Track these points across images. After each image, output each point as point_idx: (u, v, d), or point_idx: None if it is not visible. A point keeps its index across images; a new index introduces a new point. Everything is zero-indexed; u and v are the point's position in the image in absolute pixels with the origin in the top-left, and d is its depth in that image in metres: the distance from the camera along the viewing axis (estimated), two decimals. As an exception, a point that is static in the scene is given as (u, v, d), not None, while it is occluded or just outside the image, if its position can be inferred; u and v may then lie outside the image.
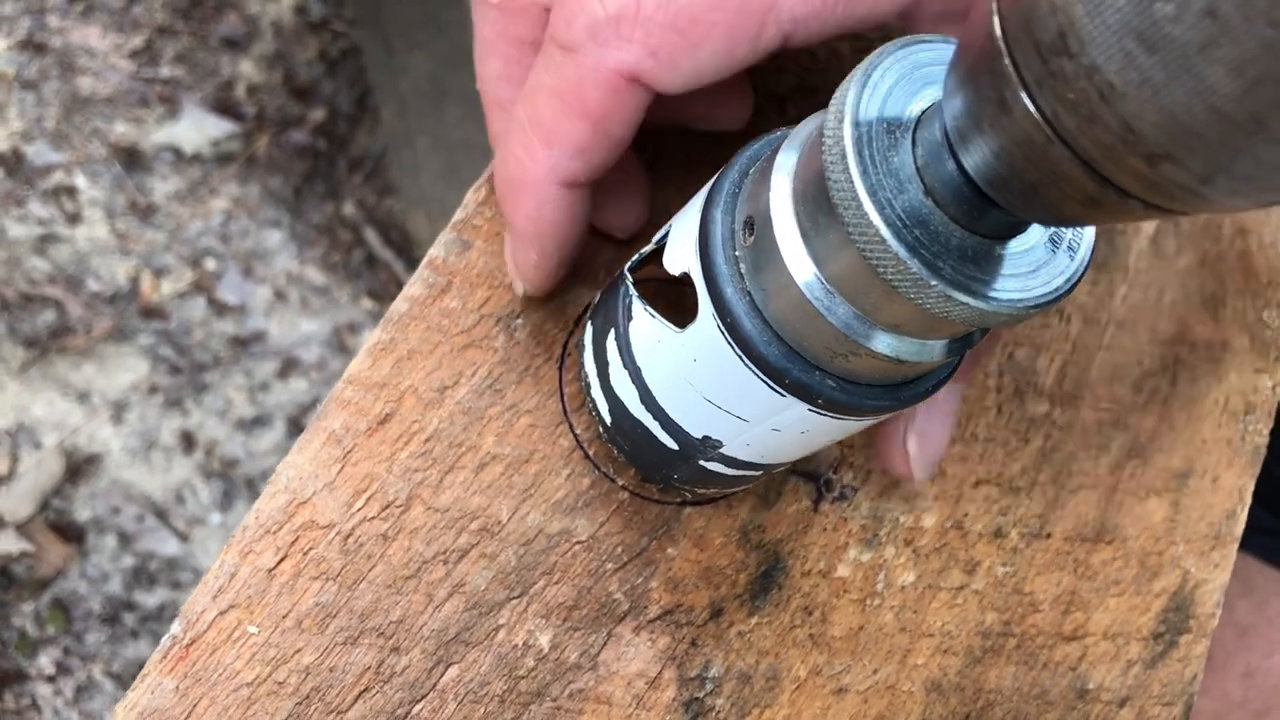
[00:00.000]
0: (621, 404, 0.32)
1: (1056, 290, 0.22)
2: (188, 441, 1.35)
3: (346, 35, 1.59)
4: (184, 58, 1.50)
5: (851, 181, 0.21)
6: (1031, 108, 0.18)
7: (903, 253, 0.21)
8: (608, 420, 0.34)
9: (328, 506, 0.33)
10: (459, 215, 0.37)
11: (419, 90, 1.37)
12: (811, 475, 0.38)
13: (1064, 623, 0.40)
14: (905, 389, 0.27)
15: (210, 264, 1.43)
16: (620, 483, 0.36)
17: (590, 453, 0.36)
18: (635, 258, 0.31)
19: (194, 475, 1.34)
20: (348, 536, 0.33)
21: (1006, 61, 0.18)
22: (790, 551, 0.37)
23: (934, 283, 0.21)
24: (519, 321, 0.36)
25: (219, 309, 1.41)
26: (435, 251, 0.36)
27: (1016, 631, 0.39)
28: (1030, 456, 0.41)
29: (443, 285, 0.36)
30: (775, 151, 0.25)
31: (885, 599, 0.38)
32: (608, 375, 0.32)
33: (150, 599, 1.28)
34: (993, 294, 0.22)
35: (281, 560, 0.33)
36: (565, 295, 0.37)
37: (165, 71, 1.49)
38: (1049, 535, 0.41)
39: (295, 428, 1.40)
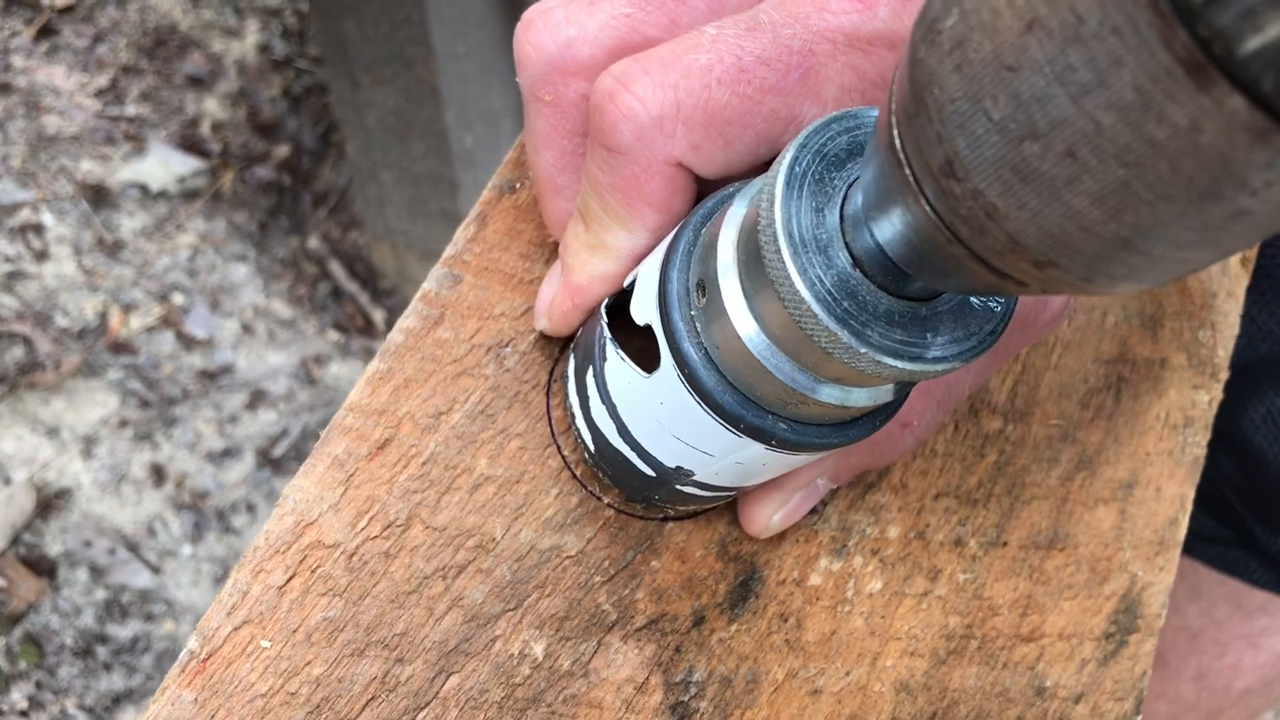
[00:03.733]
0: (602, 435, 0.35)
1: (982, 342, 0.24)
2: (158, 474, 1.36)
3: (310, 72, 1.61)
4: (149, 96, 1.52)
5: (784, 262, 0.23)
6: (931, 214, 0.20)
7: (833, 325, 0.23)
8: (591, 448, 0.36)
9: (333, 527, 0.35)
10: (449, 251, 0.39)
11: (384, 125, 1.39)
12: (784, 490, 0.41)
13: (1022, 625, 0.43)
14: (853, 426, 0.29)
15: (178, 299, 1.44)
16: (606, 501, 0.38)
17: (577, 473, 0.38)
18: (608, 300, 0.34)
19: (165, 508, 1.35)
20: (352, 555, 0.35)
21: (906, 172, 0.20)
22: (766, 562, 0.40)
23: (863, 350, 0.23)
24: (508, 350, 0.39)
25: (187, 343, 1.43)
26: (428, 286, 0.39)
27: (978, 634, 0.42)
28: (986, 470, 0.44)
29: (436, 317, 0.39)
30: (724, 214, 0.27)
31: (855, 605, 0.41)
32: (589, 408, 0.35)
33: (123, 631, 1.29)
34: (921, 354, 0.24)
35: (291, 578, 0.35)
36: (551, 325, 0.39)
37: (131, 110, 1.50)
38: (1005, 543, 0.43)
39: (264, 459, 1.41)
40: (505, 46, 1.42)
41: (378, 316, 1.52)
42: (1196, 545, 0.72)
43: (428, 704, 0.35)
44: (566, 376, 0.37)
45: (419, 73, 1.32)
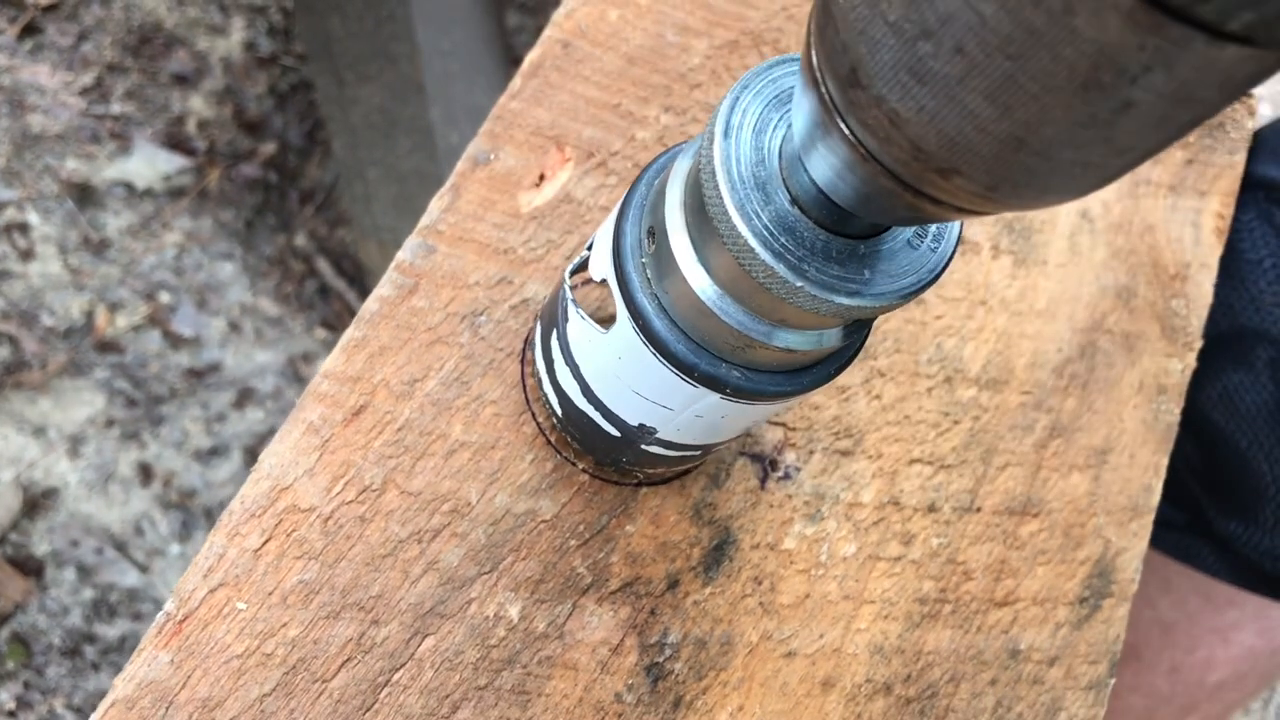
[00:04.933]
0: (568, 397, 0.35)
1: (920, 281, 0.25)
2: (145, 473, 1.36)
3: (296, 70, 1.61)
4: (134, 94, 1.52)
5: (721, 197, 0.24)
6: (845, 130, 0.20)
7: (769, 259, 0.23)
8: (559, 412, 0.36)
9: (308, 491, 0.36)
10: (424, 221, 0.40)
11: (370, 122, 1.39)
12: (758, 456, 0.41)
13: (995, 589, 0.43)
14: (807, 373, 0.29)
15: (164, 297, 1.44)
16: (580, 466, 0.38)
17: (551, 439, 0.38)
18: (572, 263, 0.34)
19: (152, 507, 1.35)
20: (328, 519, 0.36)
21: (823, 90, 0.20)
22: (740, 527, 0.40)
23: (800, 284, 0.24)
24: (482, 319, 0.39)
25: (174, 341, 1.42)
26: (403, 255, 0.39)
27: (951, 598, 0.42)
28: (960, 437, 0.44)
29: (410, 286, 0.39)
30: (673, 165, 0.28)
31: (829, 569, 0.41)
32: (554, 372, 0.35)
33: (111, 631, 1.29)
34: (860, 289, 0.24)
35: (266, 541, 0.35)
36: (526, 293, 0.40)
37: (116, 108, 1.50)
38: (979, 509, 0.44)
39: (252, 457, 1.40)
40: (490, 43, 1.43)
41: (365, 314, 1.52)
42: (1160, 534, 0.72)
43: (403, 665, 0.35)
44: (533, 343, 0.38)
45: (404, 70, 1.32)
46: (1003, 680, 0.42)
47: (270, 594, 0.35)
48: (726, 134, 0.24)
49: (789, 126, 0.24)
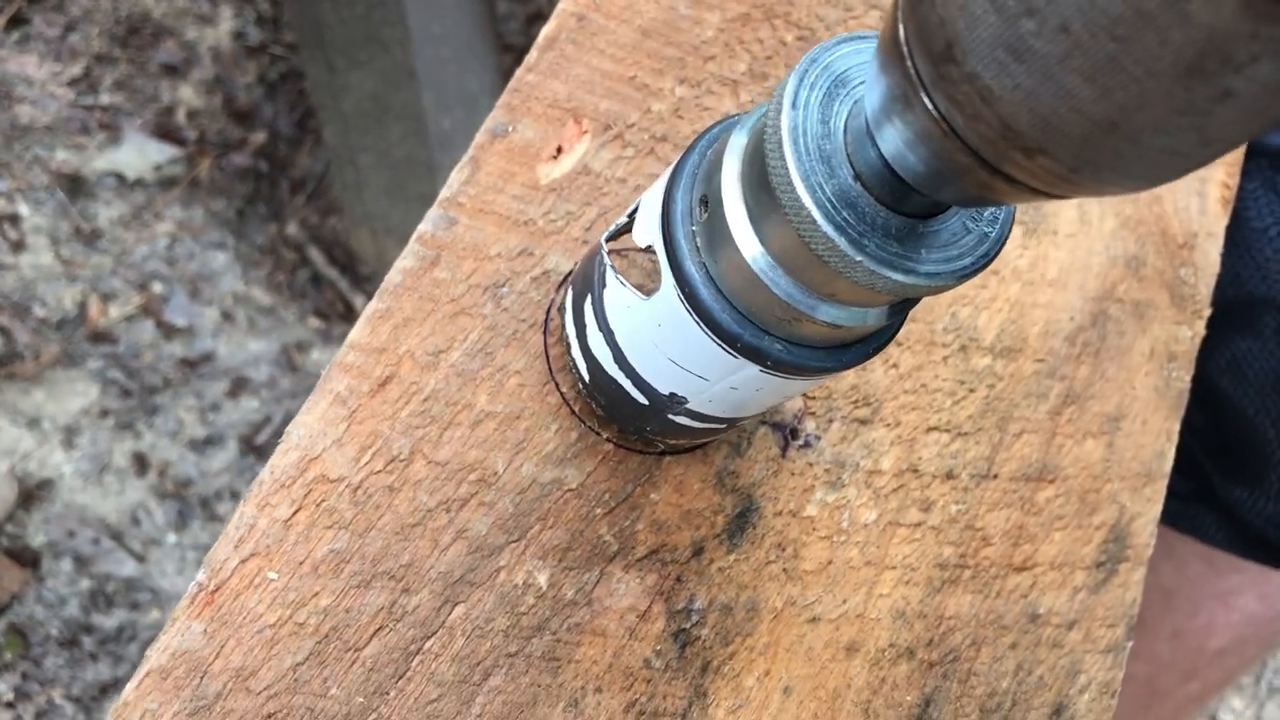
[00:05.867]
0: (598, 363, 0.35)
1: (974, 263, 0.25)
2: (140, 463, 1.35)
3: (285, 58, 1.60)
4: (123, 85, 1.51)
5: (787, 167, 0.24)
6: (929, 105, 0.20)
7: (831, 231, 0.24)
8: (586, 378, 0.37)
9: (336, 461, 0.36)
10: (444, 194, 0.40)
11: (361, 109, 1.39)
12: (779, 425, 0.41)
13: (1014, 555, 0.44)
14: (847, 351, 0.30)
15: (157, 287, 1.43)
16: (605, 435, 0.39)
17: (575, 409, 0.39)
18: (610, 229, 0.34)
19: (148, 497, 1.34)
20: (357, 489, 0.36)
21: (909, 64, 0.20)
22: (762, 494, 0.40)
23: (859, 258, 0.24)
24: (505, 290, 0.39)
25: (167, 331, 1.42)
26: (424, 227, 0.39)
27: (971, 564, 0.43)
28: (976, 405, 0.45)
29: (432, 258, 0.39)
30: (728, 136, 0.28)
31: (850, 535, 0.41)
32: (585, 337, 0.35)
33: (109, 621, 1.28)
34: (915, 268, 0.24)
35: (296, 511, 0.35)
36: (547, 265, 0.40)
37: (105, 99, 1.49)
38: (996, 476, 0.44)
39: (247, 446, 1.40)
40: (481, 28, 1.42)
41: (358, 302, 1.52)
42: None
43: (434, 633, 0.35)
44: (564, 308, 0.38)
45: (395, 56, 1.32)
46: (1023, 644, 0.43)
47: (301, 564, 0.35)
48: (795, 105, 0.24)
49: (855, 102, 0.25)
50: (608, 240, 0.34)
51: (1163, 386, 0.48)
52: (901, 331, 0.44)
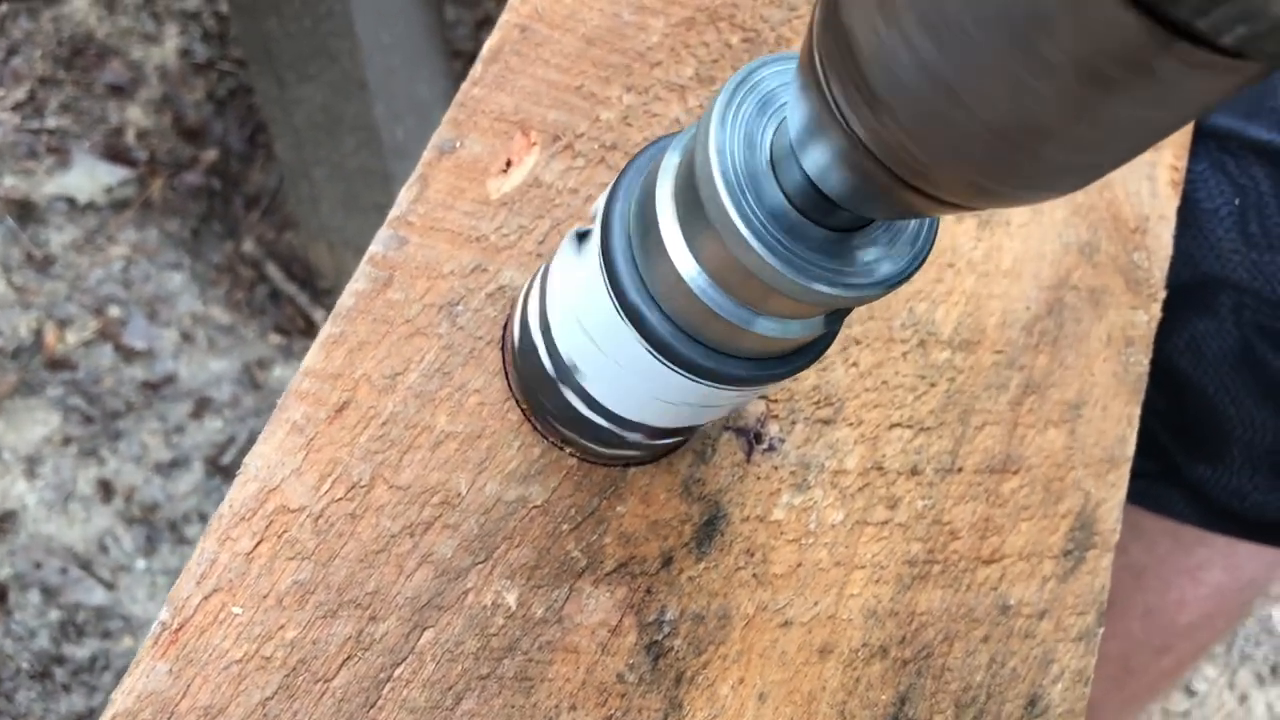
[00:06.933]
0: (528, 328, 0.35)
1: (903, 271, 0.25)
2: (106, 490, 1.34)
3: (234, 74, 1.59)
4: (69, 107, 1.49)
5: (715, 186, 0.24)
6: (845, 125, 0.21)
7: (761, 249, 0.24)
8: (516, 344, 0.36)
9: (296, 491, 0.35)
10: (394, 213, 0.39)
11: (313, 122, 1.38)
12: (742, 430, 0.41)
13: (982, 547, 0.44)
14: (786, 361, 0.30)
15: (114, 311, 1.42)
16: (568, 450, 0.38)
17: (536, 423, 0.38)
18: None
19: (115, 523, 1.33)
20: (318, 518, 0.35)
21: (823, 85, 0.21)
22: (729, 500, 0.40)
23: (790, 274, 0.24)
24: (460, 308, 0.39)
25: (127, 355, 1.40)
26: (375, 248, 0.39)
27: (940, 558, 0.43)
28: (937, 399, 0.45)
29: (385, 279, 0.38)
30: (661, 159, 0.28)
31: (818, 537, 0.41)
32: (527, 304, 0.35)
33: (80, 651, 1.27)
34: (846, 281, 0.25)
35: (258, 544, 0.34)
36: (501, 280, 0.40)
37: (52, 122, 1.47)
38: (960, 469, 0.44)
39: (213, 467, 1.39)
40: (431, 35, 1.42)
41: (318, 316, 1.51)
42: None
43: (404, 659, 0.35)
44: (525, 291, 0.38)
45: (345, 67, 1.31)
46: (995, 636, 0.43)
47: (265, 596, 0.34)
48: (722, 124, 0.24)
49: (782, 121, 0.25)
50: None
51: (1121, 372, 0.49)
52: (860, 329, 0.44)
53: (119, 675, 1.26)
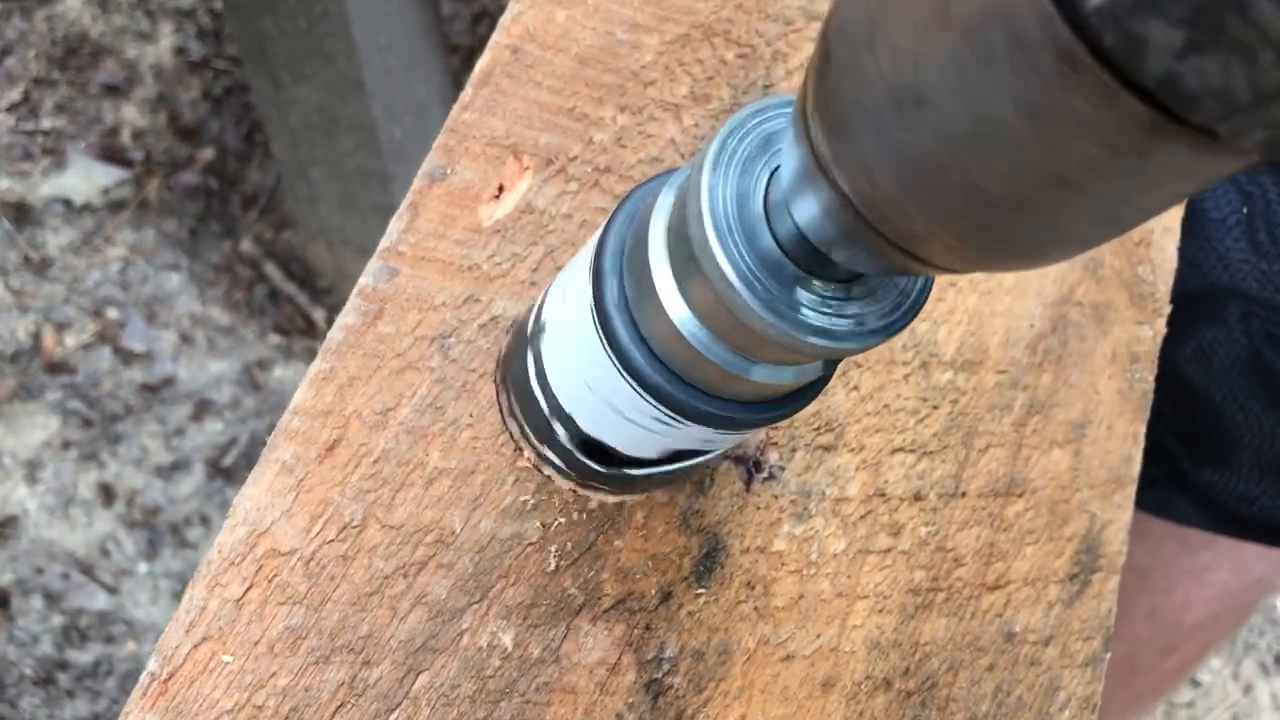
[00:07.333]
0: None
1: (899, 320, 0.25)
2: (107, 494, 1.33)
3: (229, 73, 1.58)
4: (64, 108, 1.48)
5: (708, 240, 0.23)
6: (835, 181, 0.20)
7: (751, 300, 0.23)
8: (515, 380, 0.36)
9: (287, 534, 0.35)
10: (384, 244, 0.39)
11: (309, 122, 1.37)
12: (741, 459, 0.40)
13: (986, 573, 0.43)
14: (780, 405, 0.29)
15: (112, 313, 1.41)
16: (567, 485, 0.38)
17: (528, 455, 0.38)
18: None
19: (116, 527, 1.33)
20: (309, 561, 0.35)
21: (812, 137, 0.20)
22: (729, 532, 0.40)
23: (781, 325, 0.23)
24: (452, 341, 0.38)
25: (126, 358, 1.40)
26: (365, 280, 0.38)
27: (944, 586, 0.42)
28: (940, 422, 0.44)
29: (375, 312, 0.38)
30: (654, 201, 0.27)
31: (820, 567, 0.40)
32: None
33: (84, 656, 1.27)
34: (842, 330, 0.24)
35: (248, 590, 0.34)
36: (494, 310, 0.39)
37: (47, 123, 1.46)
38: (964, 494, 0.43)
39: (214, 469, 1.39)
40: (427, 34, 1.40)
41: (318, 316, 1.50)
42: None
43: (399, 705, 0.34)
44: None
45: (341, 67, 1.29)
46: (1000, 664, 0.42)
47: (256, 644, 0.34)
48: (714, 169, 0.24)
49: (776, 168, 0.24)
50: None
51: (1127, 389, 0.48)
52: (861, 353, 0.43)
53: (122, 680, 1.26)
